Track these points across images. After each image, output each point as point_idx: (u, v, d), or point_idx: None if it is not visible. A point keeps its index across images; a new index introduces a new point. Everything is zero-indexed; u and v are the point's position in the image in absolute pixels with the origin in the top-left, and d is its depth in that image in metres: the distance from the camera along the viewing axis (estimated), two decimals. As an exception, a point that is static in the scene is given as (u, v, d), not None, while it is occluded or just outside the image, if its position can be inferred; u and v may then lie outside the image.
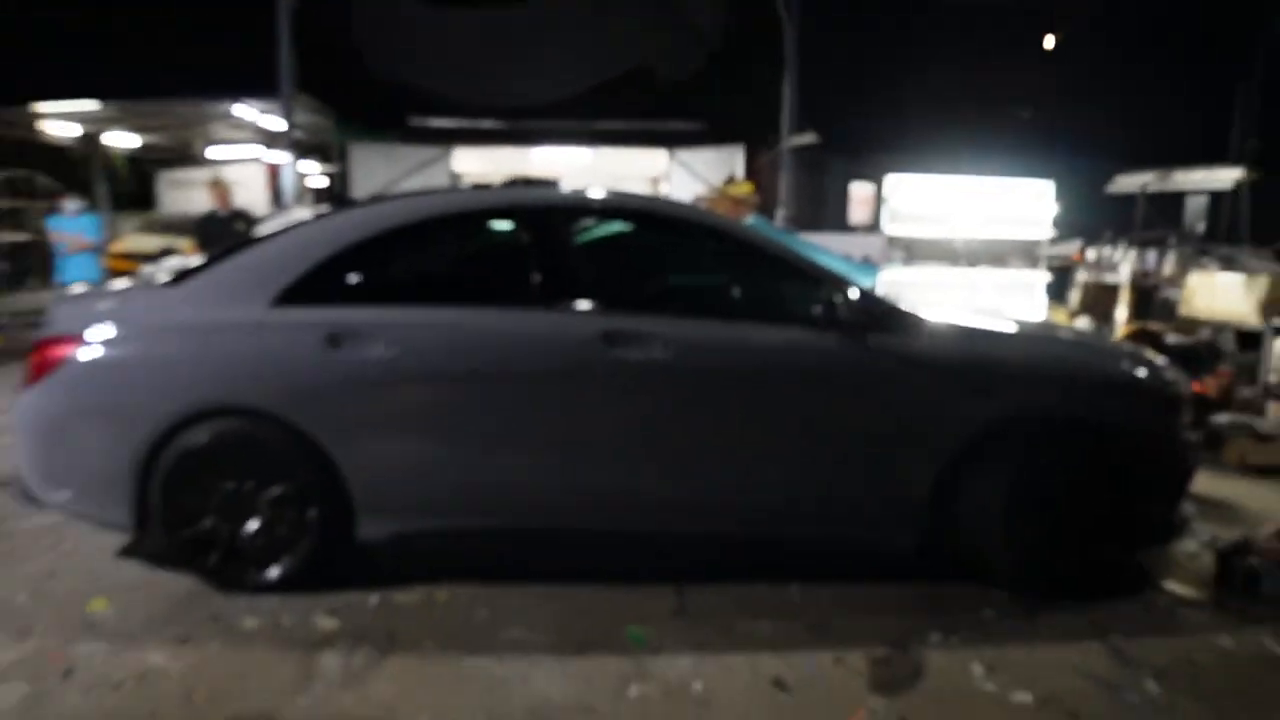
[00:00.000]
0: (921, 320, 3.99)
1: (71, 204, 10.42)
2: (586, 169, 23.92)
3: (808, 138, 18.37)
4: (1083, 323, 8.87)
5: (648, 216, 4.36)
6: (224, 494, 3.88)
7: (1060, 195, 8.65)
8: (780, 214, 17.78)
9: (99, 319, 4.01)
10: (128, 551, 4.41)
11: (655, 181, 23.56)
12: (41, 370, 4.00)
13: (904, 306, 4.06)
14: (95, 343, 3.93)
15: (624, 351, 3.77)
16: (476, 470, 3.86)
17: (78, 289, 4.78)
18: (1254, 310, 6.94)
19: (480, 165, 23.91)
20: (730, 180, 19.29)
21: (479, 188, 5.73)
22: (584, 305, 3.86)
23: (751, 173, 21.56)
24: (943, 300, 7.12)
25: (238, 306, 3.88)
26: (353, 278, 4.03)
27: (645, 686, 3.22)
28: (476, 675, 3.29)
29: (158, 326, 3.97)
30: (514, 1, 21.83)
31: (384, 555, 4.30)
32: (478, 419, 3.86)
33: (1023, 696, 3.19)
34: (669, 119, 23.18)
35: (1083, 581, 4.00)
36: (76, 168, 23.51)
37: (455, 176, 23.36)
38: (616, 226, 4.47)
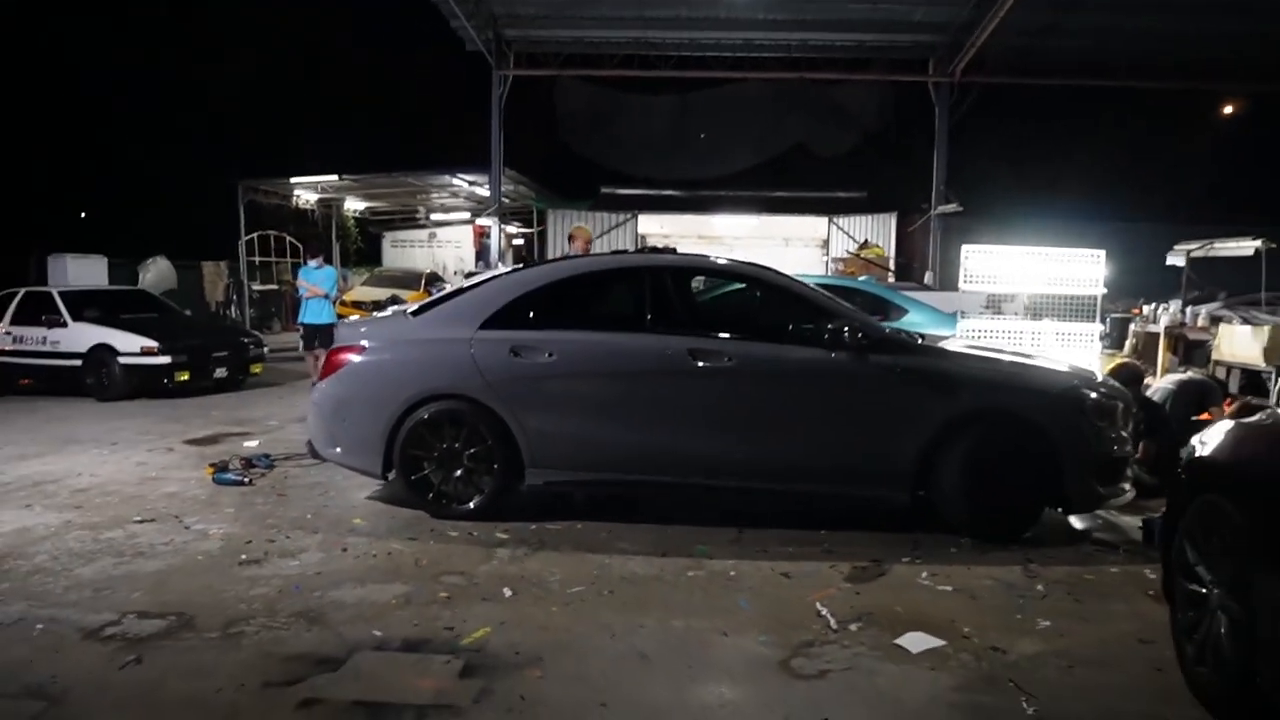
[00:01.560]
0: (909, 344, 5.67)
1: (314, 260, 12.84)
2: (756, 232, 25.88)
3: (953, 207, 19.64)
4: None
5: (724, 273, 6.23)
6: (440, 451, 5.91)
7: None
8: (928, 275, 19.11)
9: (369, 336, 6.20)
10: (372, 496, 6.54)
11: (824, 243, 25.23)
12: (331, 369, 6.20)
13: (902, 335, 5.75)
14: (366, 351, 6.10)
15: (703, 361, 5.60)
16: (604, 439, 5.73)
17: (353, 318, 6.86)
18: (1260, 355, 8.07)
19: (662, 229, 26.25)
20: (864, 245, 20.91)
21: (616, 253, 7.70)
22: (678, 331, 5.73)
23: (902, 238, 22.95)
24: (1008, 344, 8.47)
25: (457, 329, 5.95)
26: (530, 312, 6.02)
27: (698, 572, 4.98)
28: (593, 561, 5.14)
29: (406, 341, 6.11)
30: (697, 89, 24.22)
31: (543, 499, 6.24)
32: (606, 404, 5.76)
33: (945, 587, 4.76)
34: (830, 189, 24.91)
35: (1023, 531, 5.54)
36: (317, 227, 27.35)
37: (640, 238, 25.77)
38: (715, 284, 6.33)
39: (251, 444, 8.56)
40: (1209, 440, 3.74)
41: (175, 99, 30.96)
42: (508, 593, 4.65)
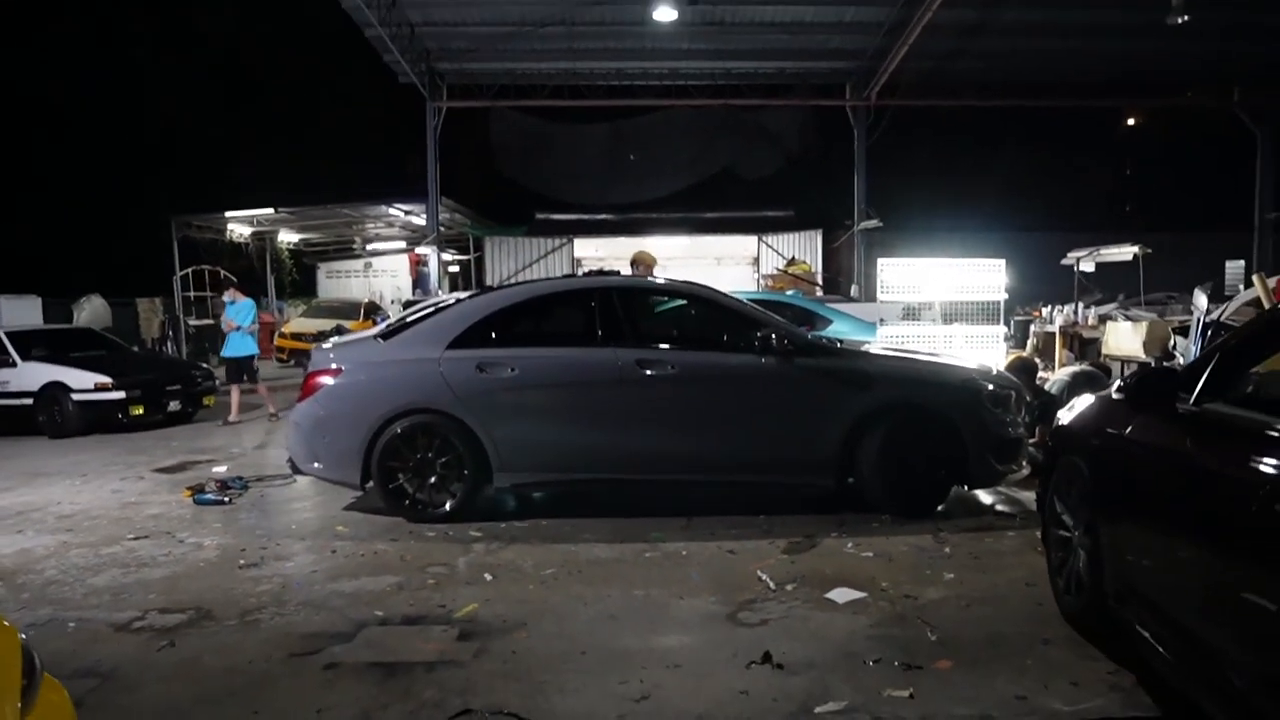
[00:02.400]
0: (829, 347, 6.46)
1: (226, 295, 13.16)
2: (689, 252, 26.77)
3: (874, 222, 20.74)
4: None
5: (665, 291, 6.97)
6: (415, 461, 6.51)
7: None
8: (853, 288, 20.15)
9: (343, 359, 6.78)
10: (349, 507, 7.11)
11: (754, 260, 26.22)
12: (308, 390, 6.77)
13: (823, 340, 6.54)
14: (342, 373, 6.68)
15: (649, 370, 6.31)
16: (564, 442, 6.40)
17: (331, 341, 7.49)
18: (1140, 348, 9.09)
19: (597, 252, 26.99)
20: (791, 261, 21.94)
21: (566, 277, 8.37)
22: (626, 344, 6.43)
23: (828, 253, 24.06)
24: (924, 347, 9.33)
25: (426, 349, 6.57)
26: (493, 332, 6.67)
27: (654, 554, 5.67)
28: (560, 550, 5.79)
29: (379, 362, 6.71)
30: (627, 117, 25.13)
31: (510, 501, 6.87)
32: (565, 411, 6.42)
33: (867, 554, 5.53)
34: (758, 209, 25.98)
35: (935, 506, 6.34)
36: (250, 261, 27.52)
37: (576, 262, 26.46)
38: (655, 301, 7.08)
39: (219, 469, 8.97)
40: (1069, 413, 4.56)
41: (104, 134, 30.83)
42: (488, 577, 5.29)
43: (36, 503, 7.67)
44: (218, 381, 14.27)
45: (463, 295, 8.29)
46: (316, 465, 6.79)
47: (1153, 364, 9.09)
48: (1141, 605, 3.62)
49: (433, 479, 6.52)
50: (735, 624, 4.50)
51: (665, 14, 16.76)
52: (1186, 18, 15.83)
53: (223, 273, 24.90)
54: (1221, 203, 26.06)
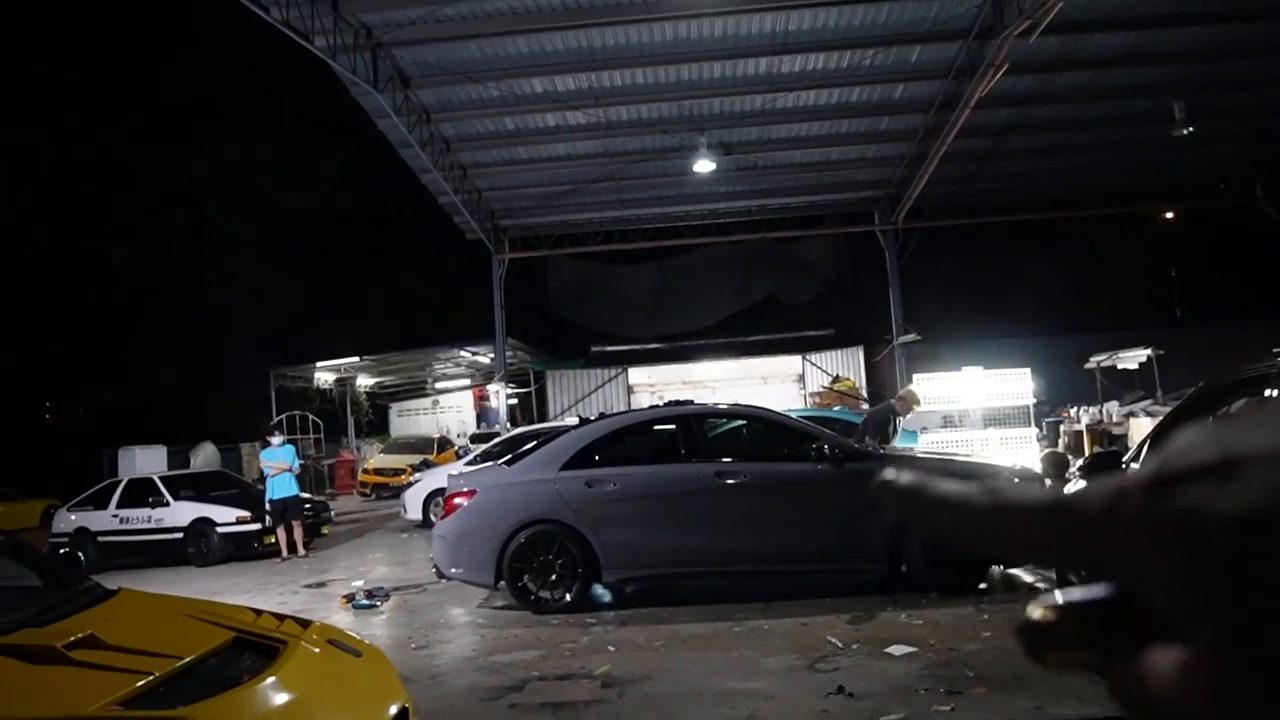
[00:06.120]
0: (874, 453, 7.88)
1: (275, 439, 14.02)
2: (736, 374, 28.35)
3: (912, 336, 22.20)
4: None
5: (732, 414, 8.50)
6: (537, 563, 7.95)
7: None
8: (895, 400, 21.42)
9: (477, 483, 8.33)
10: (481, 605, 8.53)
11: (799, 378, 27.70)
12: (449, 509, 8.30)
13: (868, 448, 7.97)
14: (478, 494, 8.21)
15: (726, 479, 7.76)
16: (659, 543, 7.81)
17: (456, 468, 9.08)
18: (1155, 442, 10.35)
19: (650, 379, 28.69)
20: (836, 379, 23.26)
21: (652, 407, 9.94)
22: (705, 459, 7.91)
23: (871, 368, 25.48)
24: (962, 450, 10.70)
25: (543, 472, 8.09)
26: (596, 455, 8.18)
27: (741, 629, 7.01)
28: (664, 629, 7.15)
29: (506, 484, 8.24)
30: (672, 255, 27.19)
31: (616, 593, 8.26)
32: (658, 517, 7.85)
33: (918, 621, 6.82)
34: (800, 329, 27.63)
35: (976, 584, 7.58)
36: (334, 404, 29.63)
37: (630, 390, 28.12)
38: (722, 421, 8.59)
39: (358, 583, 10.43)
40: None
41: (204, 302, 33.80)
42: (611, 648, 6.67)
43: (221, 616, 9.16)
44: (333, 512, 15.89)
45: (556, 425, 9.86)
46: (456, 570, 8.25)
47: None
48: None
49: (553, 577, 7.94)
50: (814, 671, 5.82)
51: (705, 166, 18.61)
52: (1191, 129, 16.73)
53: (311, 417, 27.00)
54: (1265, 294, 26.48)
